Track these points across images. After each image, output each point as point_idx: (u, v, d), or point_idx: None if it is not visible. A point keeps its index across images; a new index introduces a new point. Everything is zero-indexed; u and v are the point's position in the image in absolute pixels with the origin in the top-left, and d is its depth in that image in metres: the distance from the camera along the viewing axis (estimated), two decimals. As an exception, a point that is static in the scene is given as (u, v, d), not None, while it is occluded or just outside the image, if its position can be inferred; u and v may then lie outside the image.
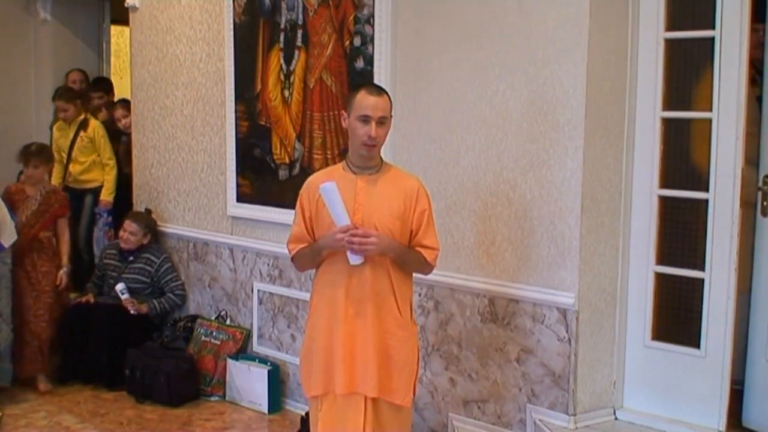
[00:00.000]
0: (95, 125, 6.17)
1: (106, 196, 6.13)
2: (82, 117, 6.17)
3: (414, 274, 3.25)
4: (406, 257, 3.12)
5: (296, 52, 4.65)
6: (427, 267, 3.19)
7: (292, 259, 3.27)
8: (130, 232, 5.45)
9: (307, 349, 3.22)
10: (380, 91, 3.11)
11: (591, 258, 3.61)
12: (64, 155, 6.16)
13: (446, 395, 4.08)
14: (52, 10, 6.82)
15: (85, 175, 6.20)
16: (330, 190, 2.98)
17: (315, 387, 3.16)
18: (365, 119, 3.01)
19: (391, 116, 3.12)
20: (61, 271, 5.28)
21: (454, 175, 3.96)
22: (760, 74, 3.66)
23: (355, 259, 3.04)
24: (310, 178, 3.24)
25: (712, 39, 3.43)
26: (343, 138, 4.43)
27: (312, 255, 3.16)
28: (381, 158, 3.18)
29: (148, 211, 5.66)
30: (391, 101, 3.13)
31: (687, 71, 3.58)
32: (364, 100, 3.03)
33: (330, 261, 3.13)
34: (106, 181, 6.14)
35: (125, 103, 6.40)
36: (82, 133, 6.13)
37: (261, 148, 4.90)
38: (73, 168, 6.16)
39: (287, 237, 3.27)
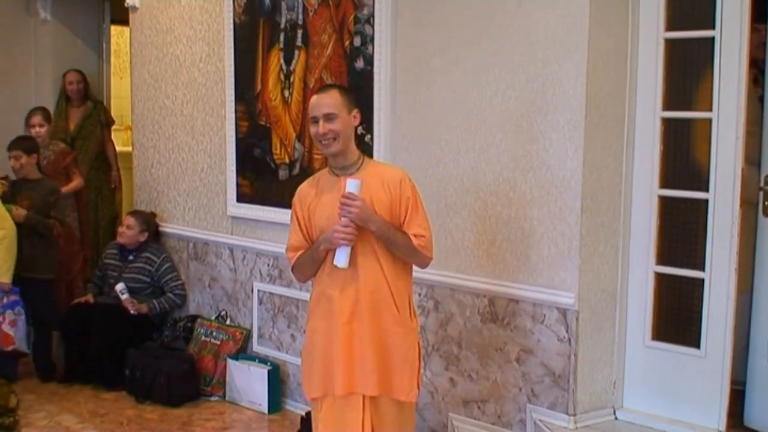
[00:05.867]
0: None
1: (1, 275, 4.94)
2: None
3: (413, 272, 3.24)
4: (392, 236, 3.04)
5: (296, 52, 4.64)
6: (418, 255, 3.12)
7: (293, 268, 3.27)
8: (127, 226, 5.48)
9: (306, 352, 3.24)
10: (326, 88, 3.19)
11: (591, 258, 3.61)
12: None
13: (446, 395, 4.08)
14: (52, 10, 6.80)
15: None
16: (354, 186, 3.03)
17: (315, 389, 3.17)
18: (314, 120, 3.08)
19: (350, 109, 3.09)
20: None
21: (454, 175, 3.96)
22: (763, 74, 3.67)
23: (341, 260, 3.02)
24: (300, 186, 3.28)
25: (712, 39, 3.43)
26: (343, 138, 4.44)
27: (311, 255, 3.15)
28: (361, 156, 3.18)
29: (153, 215, 5.67)
30: (343, 95, 3.10)
31: (687, 71, 3.58)
32: (310, 104, 3.14)
33: (326, 263, 3.13)
34: None
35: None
36: None
37: (261, 148, 4.90)
38: None
39: (286, 245, 3.27)
